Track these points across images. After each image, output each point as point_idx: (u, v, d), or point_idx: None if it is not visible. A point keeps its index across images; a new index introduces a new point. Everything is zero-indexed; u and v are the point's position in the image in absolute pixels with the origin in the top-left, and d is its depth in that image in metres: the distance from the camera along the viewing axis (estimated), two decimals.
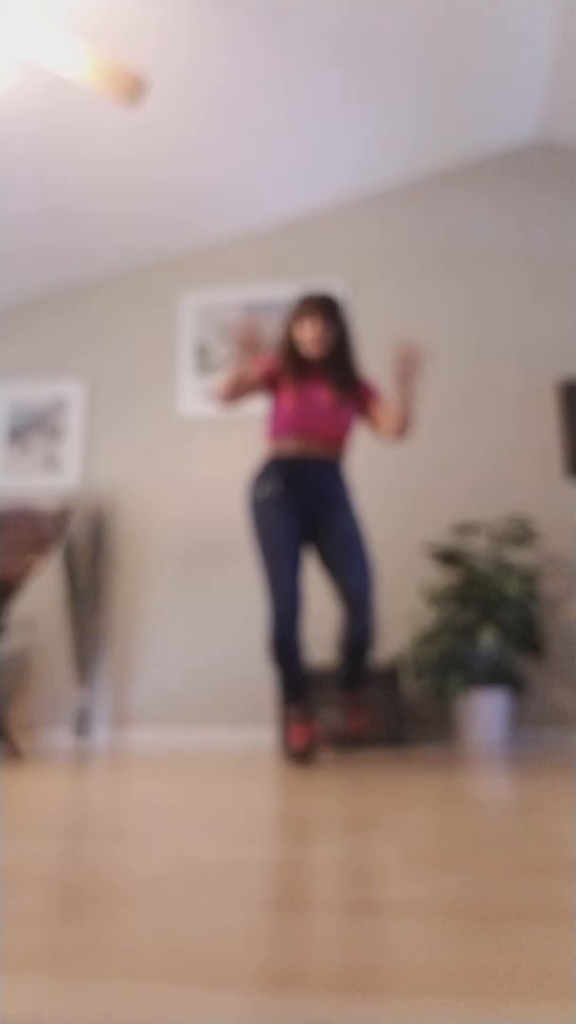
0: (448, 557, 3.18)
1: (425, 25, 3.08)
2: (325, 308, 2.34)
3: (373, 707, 2.99)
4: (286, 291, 4.00)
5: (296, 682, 2.28)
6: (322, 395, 2.37)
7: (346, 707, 2.41)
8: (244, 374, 2.31)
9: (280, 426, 2.37)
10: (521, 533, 3.22)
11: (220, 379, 2.34)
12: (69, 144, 3.33)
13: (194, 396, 3.94)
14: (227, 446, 3.84)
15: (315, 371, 2.41)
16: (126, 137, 3.36)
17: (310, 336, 2.34)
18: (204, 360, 3.98)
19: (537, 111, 3.78)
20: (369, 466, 3.59)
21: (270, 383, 2.41)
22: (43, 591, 3.78)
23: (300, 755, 2.25)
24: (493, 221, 3.94)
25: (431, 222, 4.00)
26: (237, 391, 2.33)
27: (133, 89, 2.47)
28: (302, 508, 2.32)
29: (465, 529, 3.32)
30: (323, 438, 2.37)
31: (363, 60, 3.20)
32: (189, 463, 3.86)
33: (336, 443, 2.40)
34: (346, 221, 4.08)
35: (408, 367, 2.29)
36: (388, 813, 1.21)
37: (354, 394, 2.42)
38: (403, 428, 2.37)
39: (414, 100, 3.49)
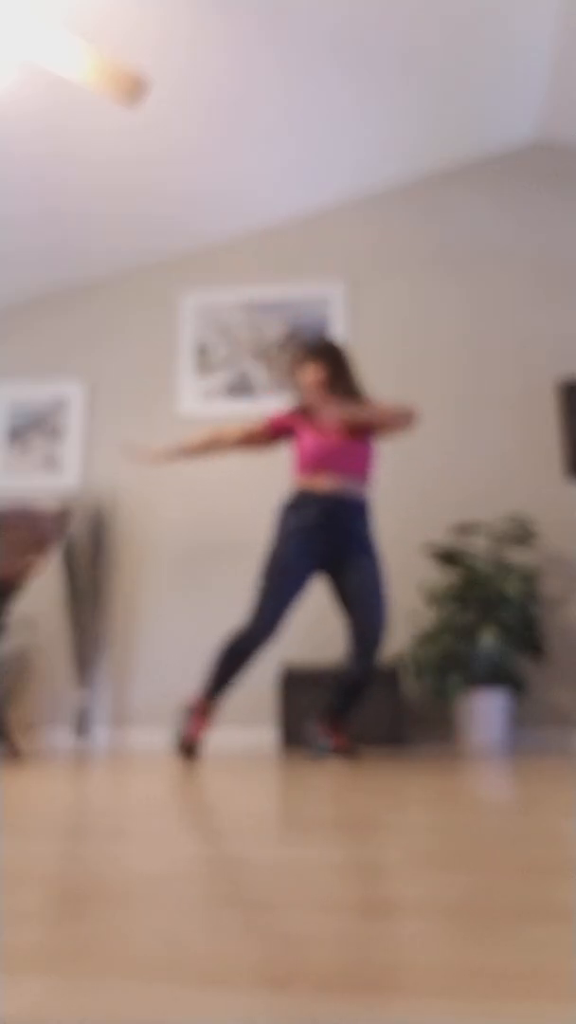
0: (448, 557, 3.18)
1: (425, 25, 3.08)
2: (318, 353, 2.51)
3: (373, 707, 2.99)
4: (286, 291, 4.00)
5: (227, 679, 2.34)
6: (334, 434, 2.46)
7: (329, 728, 2.43)
8: (220, 439, 2.55)
9: (307, 463, 2.44)
10: (521, 533, 3.22)
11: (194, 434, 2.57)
12: (69, 144, 3.33)
13: (194, 396, 3.94)
14: None
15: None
16: (126, 137, 3.36)
17: (307, 383, 2.50)
18: (204, 360, 3.98)
19: (537, 111, 3.78)
20: None
21: (284, 432, 2.55)
22: (43, 591, 3.78)
23: (188, 748, 2.34)
24: (493, 221, 3.94)
25: (431, 222, 4.00)
26: (205, 447, 2.56)
27: (133, 89, 2.47)
28: (327, 545, 2.40)
29: (465, 529, 3.32)
30: (350, 473, 2.43)
31: (363, 60, 3.20)
32: (189, 463, 3.86)
33: (363, 477, 2.46)
34: (346, 221, 4.08)
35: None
36: (388, 813, 1.21)
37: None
38: (406, 418, 2.42)
39: (414, 100, 3.49)
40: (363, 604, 2.34)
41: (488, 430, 3.64)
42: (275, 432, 2.54)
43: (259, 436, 2.54)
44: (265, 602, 2.33)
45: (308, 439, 2.46)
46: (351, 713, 2.41)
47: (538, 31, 3.22)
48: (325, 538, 2.39)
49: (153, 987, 0.45)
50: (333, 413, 2.36)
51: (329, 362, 2.50)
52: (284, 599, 2.34)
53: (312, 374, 2.50)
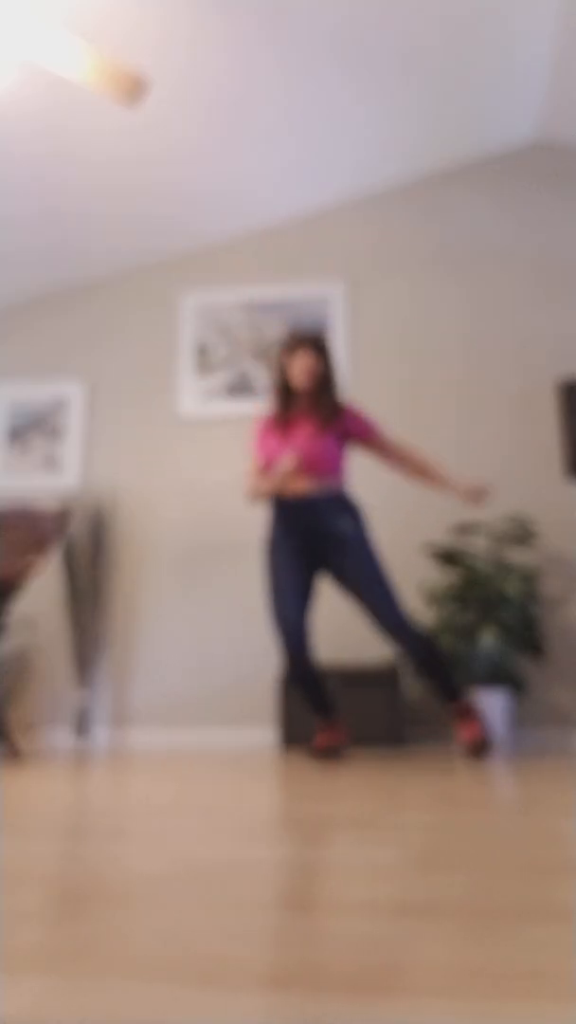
0: (448, 557, 3.18)
1: (425, 25, 3.08)
2: (315, 344, 2.51)
3: (373, 707, 2.99)
4: (286, 291, 4.00)
5: (313, 697, 2.47)
6: (305, 428, 2.49)
7: (456, 721, 2.41)
8: (259, 470, 2.51)
9: (272, 468, 2.48)
10: (521, 533, 3.22)
11: (250, 483, 2.55)
12: (69, 144, 3.33)
13: (194, 396, 3.93)
14: (227, 446, 3.84)
15: (302, 407, 2.54)
16: (126, 137, 3.36)
17: (300, 368, 2.49)
18: (204, 360, 3.98)
19: (537, 111, 3.78)
20: (369, 466, 3.59)
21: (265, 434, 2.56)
22: (43, 591, 3.78)
23: (320, 753, 2.45)
24: (493, 221, 3.94)
25: (431, 222, 4.00)
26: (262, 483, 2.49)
27: (133, 89, 2.47)
28: (305, 548, 2.46)
29: (465, 529, 3.32)
30: (312, 472, 2.45)
31: (363, 60, 3.20)
32: (189, 463, 3.86)
33: (328, 473, 2.47)
34: (346, 221, 4.08)
35: (475, 501, 2.46)
36: (388, 813, 1.21)
37: (339, 422, 2.52)
38: (433, 478, 2.53)
39: (414, 100, 3.49)
40: (364, 599, 2.36)
41: (488, 430, 3.64)
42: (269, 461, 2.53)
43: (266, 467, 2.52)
44: (275, 615, 2.42)
45: (273, 445, 2.48)
46: (448, 683, 2.34)
47: (538, 31, 3.22)
48: (303, 540, 2.44)
49: (153, 987, 0.45)
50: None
51: (324, 356, 2.53)
52: (289, 611, 2.40)
53: (306, 361, 2.49)
